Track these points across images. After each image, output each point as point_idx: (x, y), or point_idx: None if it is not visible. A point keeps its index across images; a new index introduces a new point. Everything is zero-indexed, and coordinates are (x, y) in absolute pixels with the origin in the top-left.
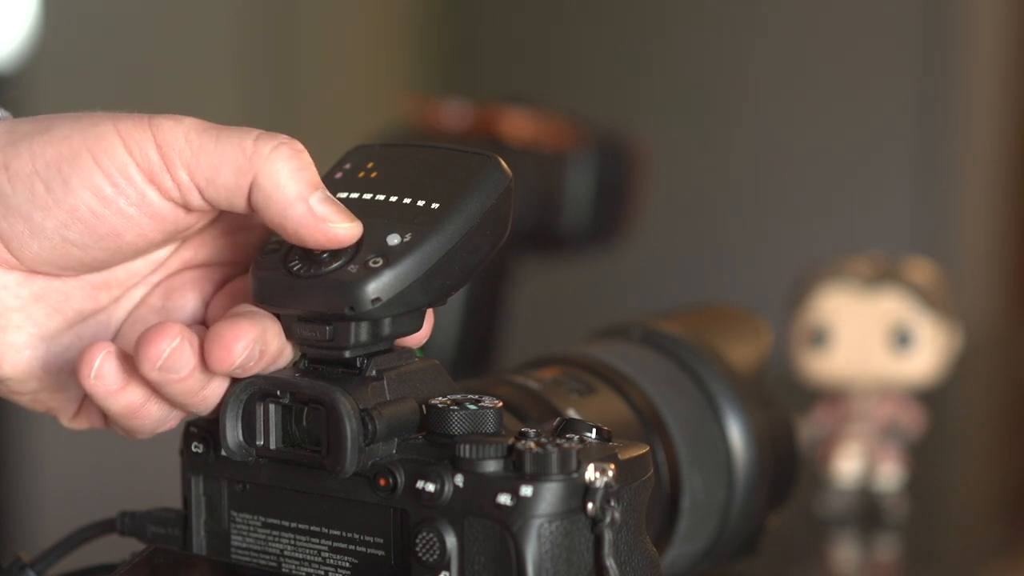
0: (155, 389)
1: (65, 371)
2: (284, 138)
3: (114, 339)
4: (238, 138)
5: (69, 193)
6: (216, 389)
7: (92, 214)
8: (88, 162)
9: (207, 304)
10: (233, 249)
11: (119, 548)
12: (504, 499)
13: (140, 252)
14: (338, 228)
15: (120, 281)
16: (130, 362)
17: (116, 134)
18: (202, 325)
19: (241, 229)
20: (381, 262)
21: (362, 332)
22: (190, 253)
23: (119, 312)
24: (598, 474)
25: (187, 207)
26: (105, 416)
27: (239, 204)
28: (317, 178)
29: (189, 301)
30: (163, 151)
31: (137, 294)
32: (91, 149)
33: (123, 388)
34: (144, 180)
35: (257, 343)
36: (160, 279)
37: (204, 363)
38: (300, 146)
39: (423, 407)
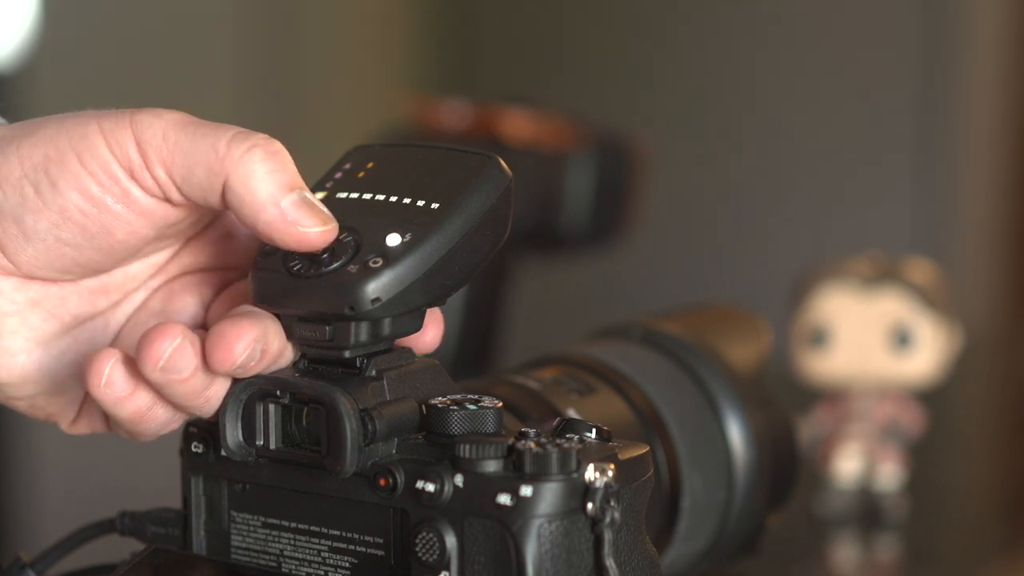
0: (158, 391)
1: (62, 375)
2: (260, 139)
3: (113, 344)
4: (212, 137)
5: (58, 194)
6: (218, 390)
7: (81, 213)
8: (73, 162)
9: (207, 308)
10: (233, 253)
11: (119, 548)
12: (504, 499)
13: (135, 250)
14: (310, 232)
15: (118, 286)
16: (136, 367)
17: (99, 133)
18: (203, 329)
19: (241, 233)
20: (381, 262)
21: (362, 332)
22: (190, 258)
23: (118, 316)
24: (598, 474)
25: (171, 202)
26: (106, 419)
27: (214, 202)
28: (293, 179)
29: (189, 305)
30: (142, 148)
31: (137, 299)
32: (76, 149)
33: (131, 395)
34: (127, 177)
35: (258, 343)
36: (160, 283)
37: (206, 363)
38: (277, 147)
39: (423, 407)
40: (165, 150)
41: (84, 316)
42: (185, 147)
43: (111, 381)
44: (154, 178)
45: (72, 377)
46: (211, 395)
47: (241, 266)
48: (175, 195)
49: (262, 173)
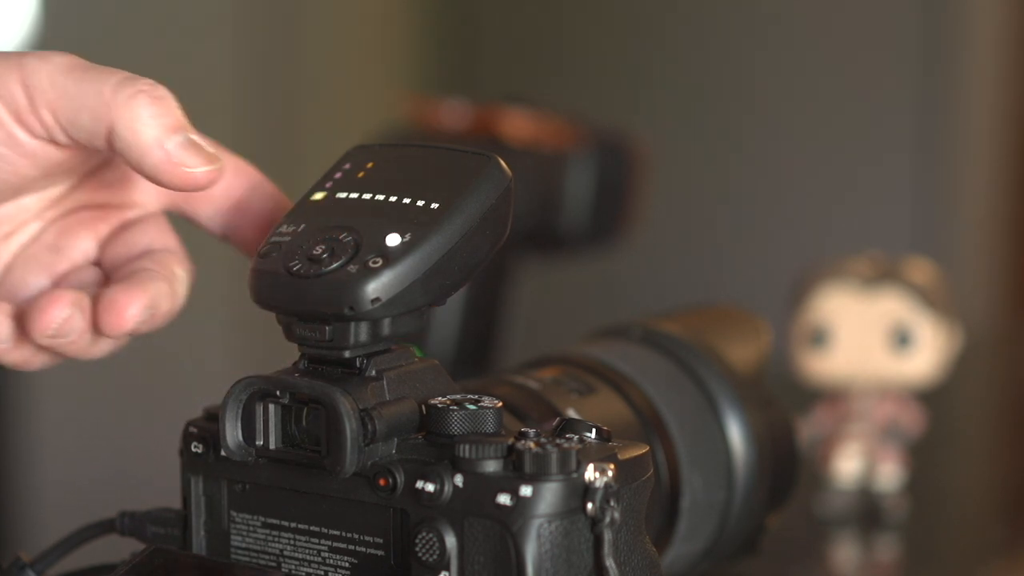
0: (46, 348)
1: None
2: (145, 84)
3: (4, 274)
4: (98, 82)
5: None
6: (105, 345)
7: None
8: None
9: (102, 245)
10: (130, 191)
11: (119, 548)
12: (504, 499)
13: (21, 189)
14: (196, 171)
15: (10, 217)
16: (23, 321)
17: None
18: (96, 266)
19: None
20: (381, 262)
21: (362, 332)
22: (87, 194)
23: (11, 246)
24: (598, 474)
25: (57, 144)
26: None
27: (100, 145)
28: (178, 121)
29: (83, 240)
30: (28, 92)
31: (31, 229)
32: None
33: (16, 347)
34: (12, 120)
35: (149, 308)
36: (56, 215)
37: (97, 326)
38: (162, 91)
39: (423, 407)
40: (52, 93)
41: None
42: (71, 91)
43: None
44: (40, 121)
45: None
46: (97, 350)
47: (138, 203)
48: (61, 137)
49: (147, 117)
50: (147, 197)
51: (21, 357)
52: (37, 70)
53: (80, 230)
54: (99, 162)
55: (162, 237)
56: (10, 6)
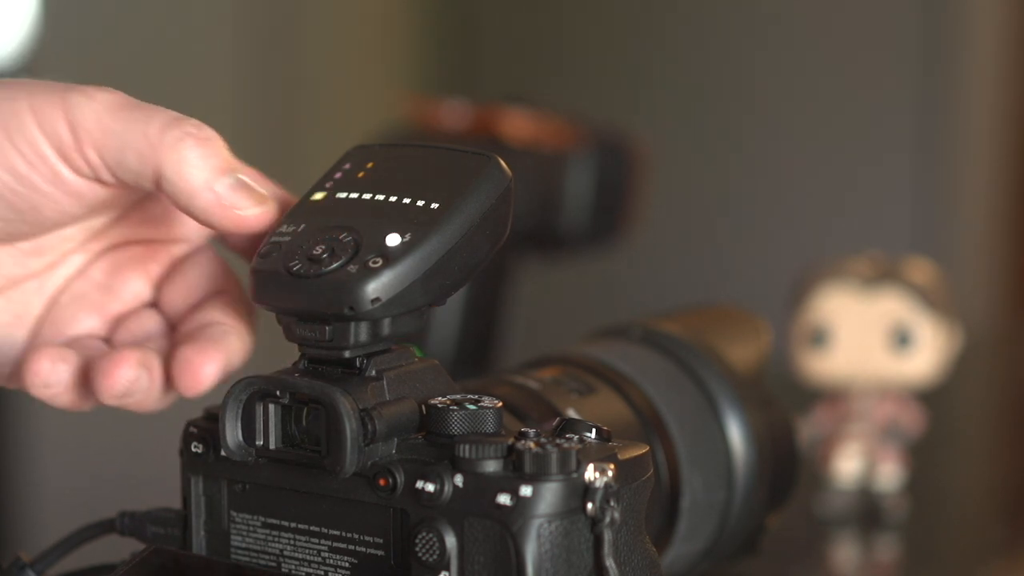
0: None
1: None
2: (192, 126)
3: (49, 307)
4: (144, 123)
5: None
6: (170, 398)
7: (10, 191)
8: (2, 139)
9: (156, 285)
10: (175, 225)
11: (119, 548)
12: (504, 499)
13: (65, 223)
14: (247, 214)
15: (53, 246)
16: (87, 377)
17: (29, 111)
18: (153, 309)
19: None
20: (381, 262)
21: (362, 332)
22: (131, 229)
23: (55, 279)
24: (598, 474)
25: (102, 183)
26: None
27: (147, 186)
28: (227, 162)
29: (133, 280)
30: (73, 130)
31: (75, 261)
32: (5, 126)
33: (68, 391)
34: (56, 157)
35: (225, 368)
36: (101, 249)
37: (171, 384)
38: (210, 132)
39: (423, 407)
40: (98, 132)
41: (18, 278)
42: (117, 131)
43: (49, 382)
44: (85, 159)
45: (6, 338)
46: (162, 405)
47: (184, 237)
48: (107, 176)
49: (195, 159)
50: (191, 230)
51: (73, 400)
52: (82, 107)
53: (130, 269)
54: (142, 196)
55: (220, 278)
56: (10, 6)
